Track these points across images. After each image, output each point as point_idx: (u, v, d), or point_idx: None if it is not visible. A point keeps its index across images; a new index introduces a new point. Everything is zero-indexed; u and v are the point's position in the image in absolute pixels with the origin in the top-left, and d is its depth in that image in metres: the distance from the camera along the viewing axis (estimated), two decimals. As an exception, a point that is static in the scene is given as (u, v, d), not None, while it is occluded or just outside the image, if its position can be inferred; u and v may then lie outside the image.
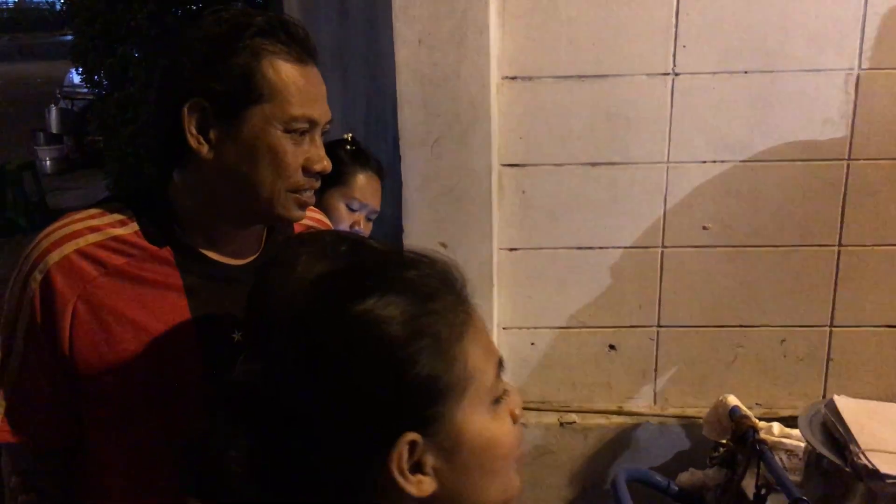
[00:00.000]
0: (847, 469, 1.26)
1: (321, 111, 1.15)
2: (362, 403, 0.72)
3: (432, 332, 0.74)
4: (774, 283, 2.20)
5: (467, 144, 2.08)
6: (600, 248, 2.19)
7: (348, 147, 1.98)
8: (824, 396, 2.29)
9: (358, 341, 0.73)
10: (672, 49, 2.06)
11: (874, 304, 2.20)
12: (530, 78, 2.10)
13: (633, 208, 2.16)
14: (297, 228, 1.31)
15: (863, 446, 1.23)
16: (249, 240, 1.23)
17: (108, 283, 1.11)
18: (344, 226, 1.93)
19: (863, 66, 2.03)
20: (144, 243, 1.14)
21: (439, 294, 0.77)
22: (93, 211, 1.16)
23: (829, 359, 2.25)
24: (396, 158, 2.10)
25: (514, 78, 2.10)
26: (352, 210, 1.95)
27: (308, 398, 0.73)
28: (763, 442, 1.36)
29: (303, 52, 1.14)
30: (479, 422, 0.76)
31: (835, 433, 1.32)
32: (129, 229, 1.15)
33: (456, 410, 0.74)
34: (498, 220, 2.17)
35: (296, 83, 1.12)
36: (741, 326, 2.23)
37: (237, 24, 1.11)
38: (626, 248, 2.19)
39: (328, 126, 1.18)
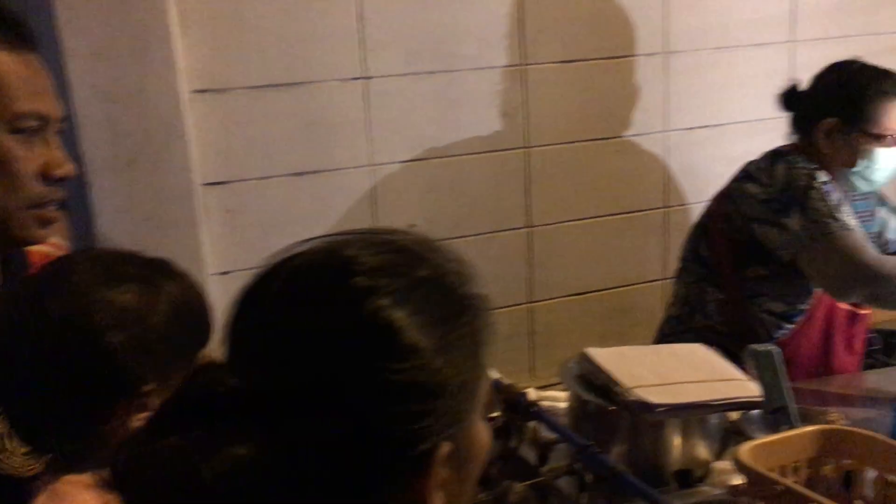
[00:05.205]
0: (611, 409, 1.38)
1: (52, 105, 0.98)
2: (389, 422, 0.62)
3: (465, 336, 0.66)
4: (478, 270, 2.33)
5: (164, 165, 1.92)
6: (315, 259, 2.15)
7: None
8: (532, 368, 2.49)
9: (390, 352, 0.62)
10: (360, 54, 2.09)
11: (563, 276, 2.43)
12: (222, 90, 2.00)
13: (343, 215, 2.16)
14: (34, 257, 1.10)
15: (627, 385, 1.36)
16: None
17: None
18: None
19: (527, 62, 2.25)
20: None
21: (457, 285, 0.69)
22: None
23: (532, 332, 2.45)
24: (83, 186, 1.86)
25: (204, 91, 1.98)
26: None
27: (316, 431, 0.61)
28: (536, 404, 1.43)
29: (18, 37, 0.96)
30: (482, 430, 0.70)
31: (595, 381, 1.43)
32: None
33: (473, 419, 0.67)
34: (206, 244, 2.02)
35: (16, 73, 0.94)
36: (456, 316, 2.33)
37: None
38: (341, 255, 2.17)
39: (63, 125, 1.00)
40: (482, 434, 0.70)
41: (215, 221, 2.04)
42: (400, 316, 0.63)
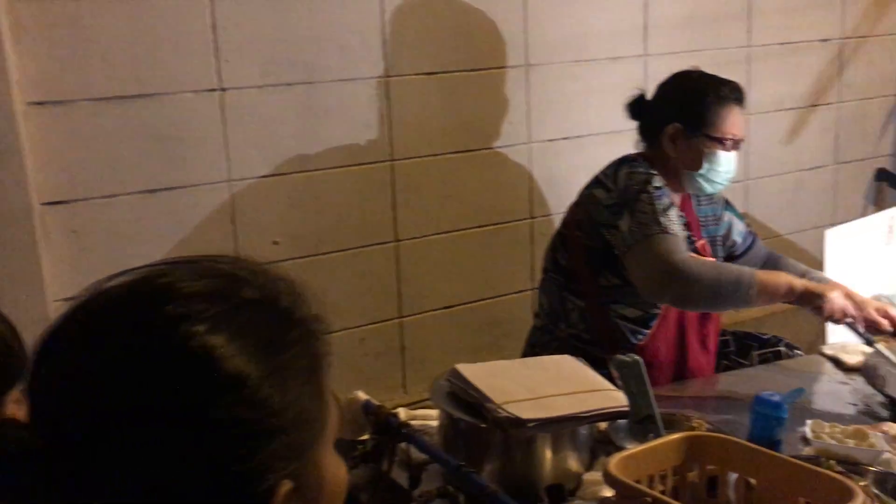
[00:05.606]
0: (483, 426, 1.36)
1: None
2: (226, 456, 0.56)
3: (299, 359, 0.60)
4: (345, 286, 2.27)
5: (-3, 183, 1.76)
6: (171, 280, 2.03)
7: None
8: (404, 385, 2.45)
9: (210, 383, 0.56)
10: (215, 64, 2.00)
11: (432, 290, 2.41)
12: (62, 102, 1.86)
13: (200, 233, 2.05)
14: None
15: (497, 401, 1.34)
16: None
17: None
18: None
19: (390, 74, 2.22)
20: None
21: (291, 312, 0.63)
22: None
23: (403, 348, 2.41)
24: None
25: (42, 103, 1.84)
26: None
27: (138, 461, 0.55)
28: (407, 425, 1.39)
29: None
30: (333, 463, 0.64)
31: (466, 398, 1.41)
32: None
33: (319, 452, 0.62)
34: (48, 268, 1.87)
35: None
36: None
37: None
38: (199, 275, 2.07)
39: None
40: (332, 468, 0.64)
41: (58, 243, 1.89)
42: (218, 342, 0.57)
